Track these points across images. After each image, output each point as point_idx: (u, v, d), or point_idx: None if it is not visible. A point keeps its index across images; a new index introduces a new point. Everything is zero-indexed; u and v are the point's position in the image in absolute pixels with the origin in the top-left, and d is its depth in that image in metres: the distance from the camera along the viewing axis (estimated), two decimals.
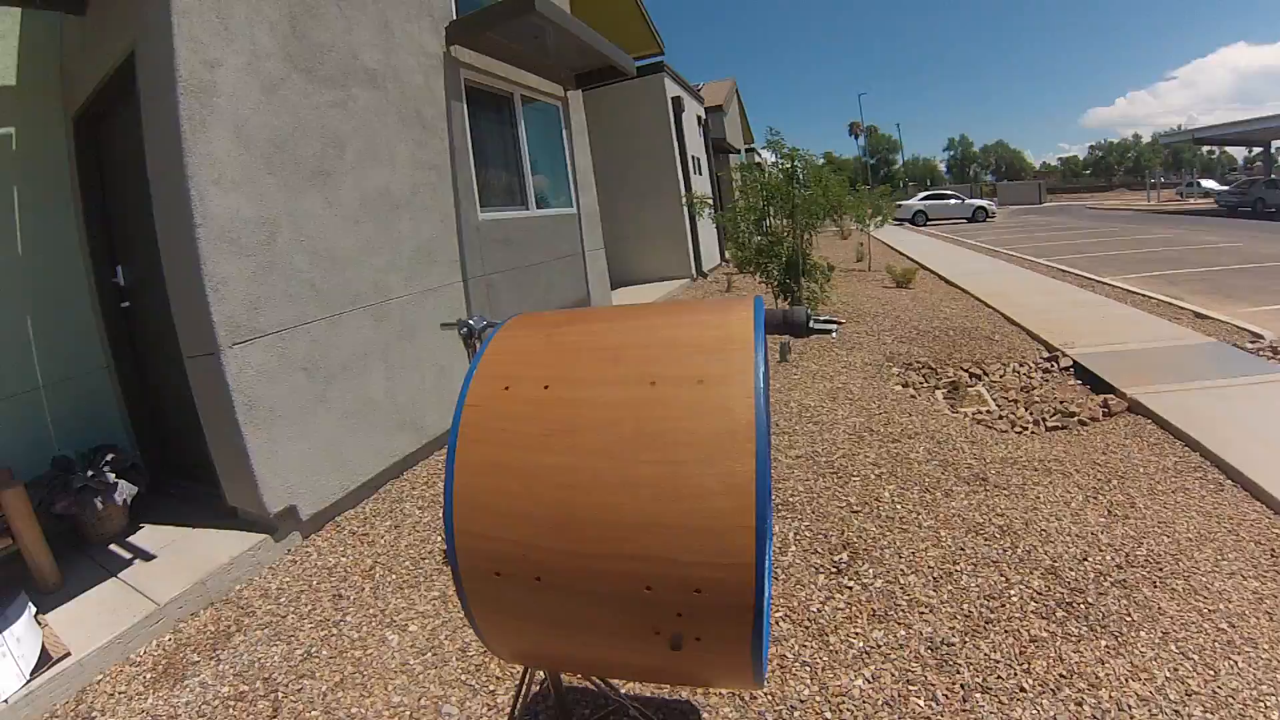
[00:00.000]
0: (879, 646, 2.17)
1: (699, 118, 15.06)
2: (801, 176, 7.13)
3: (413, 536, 3.28)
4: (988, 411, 4.58)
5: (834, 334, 1.35)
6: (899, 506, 3.07)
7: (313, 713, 2.16)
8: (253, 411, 3.14)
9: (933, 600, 2.37)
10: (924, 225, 27.92)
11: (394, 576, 2.92)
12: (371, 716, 2.11)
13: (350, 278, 3.81)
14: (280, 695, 2.26)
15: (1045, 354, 5.70)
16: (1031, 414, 4.41)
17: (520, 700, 1.70)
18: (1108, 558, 2.56)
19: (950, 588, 2.44)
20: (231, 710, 2.22)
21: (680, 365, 1.17)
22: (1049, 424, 4.18)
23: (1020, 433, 4.10)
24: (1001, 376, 5.35)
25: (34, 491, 3.08)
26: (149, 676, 2.44)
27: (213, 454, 3.33)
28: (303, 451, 3.39)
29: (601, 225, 7.77)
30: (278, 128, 3.40)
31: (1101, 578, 2.44)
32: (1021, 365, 5.53)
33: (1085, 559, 2.56)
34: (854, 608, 2.37)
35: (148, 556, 3.16)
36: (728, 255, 12.28)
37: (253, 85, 3.28)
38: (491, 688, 2.17)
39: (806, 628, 2.29)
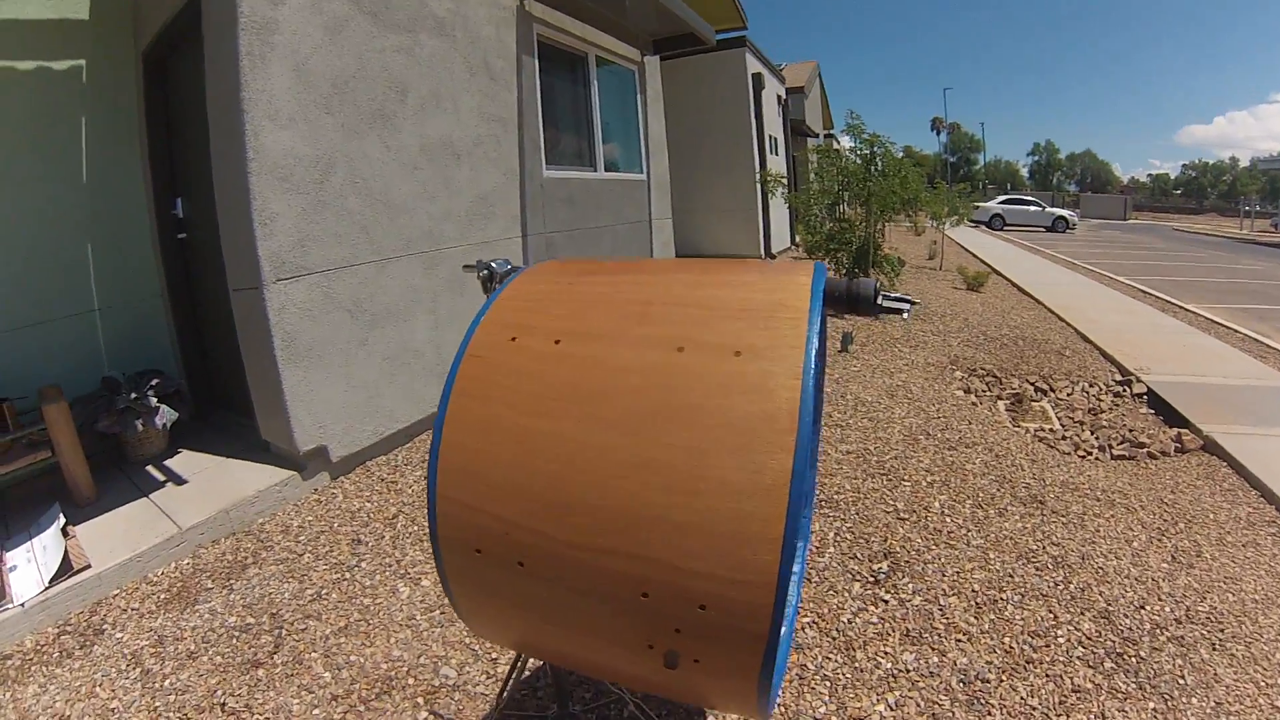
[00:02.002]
0: (908, 671, 2.00)
1: (779, 97, 14.61)
2: (880, 165, 6.79)
3: None
4: (1051, 430, 4.27)
5: (906, 315, 1.15)
6: (948, 519, 2.85)
7: (313, 654, 2.14)
8: (291, 348, 3.13)
9: (972, 628, 2.18)
10: (1000, 229, 26.69)
11: (416, 528, 2.88)
12: (369, 666, 2.07)
13: (404, 224, 3.76)
14: (284, 632, 2.24)
15: (1118, 377, 5.30)
16: (1097, 439, 4.09)
17: (510, 682, 1.60)
18: (1167, 609, 2.31)
19: (993, 617, 2.24)
20: (235, 641, 2.22)
21: (716, 331, 0.98)
22: (1115, 452, 3.87)
23: (1084, 457, 3.80)
24: (1069, 394, 5.00)
25: (81, 409, 3.15)
26: (162, 597, 2.46)
27: (250, 388, 3.35)
28: (339, 393, 3.38)
29: (671, 195, 7.60)
30: (339, 69, 3.34)
31: (1158, 630, 2.20)
32: (1091, 385, 5.15)
33: (1143, 606, 2.32)
34: (887, 624, 2.20)
35: (180, 480, 3.21)
36: (798, 239, 11.94)
37: (315, 25, 3.22)
38: (494, 655, 2.10)
39: (834, 639, 2.14)
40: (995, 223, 27.36)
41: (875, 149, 6.78)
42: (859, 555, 2.59)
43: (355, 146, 3.44)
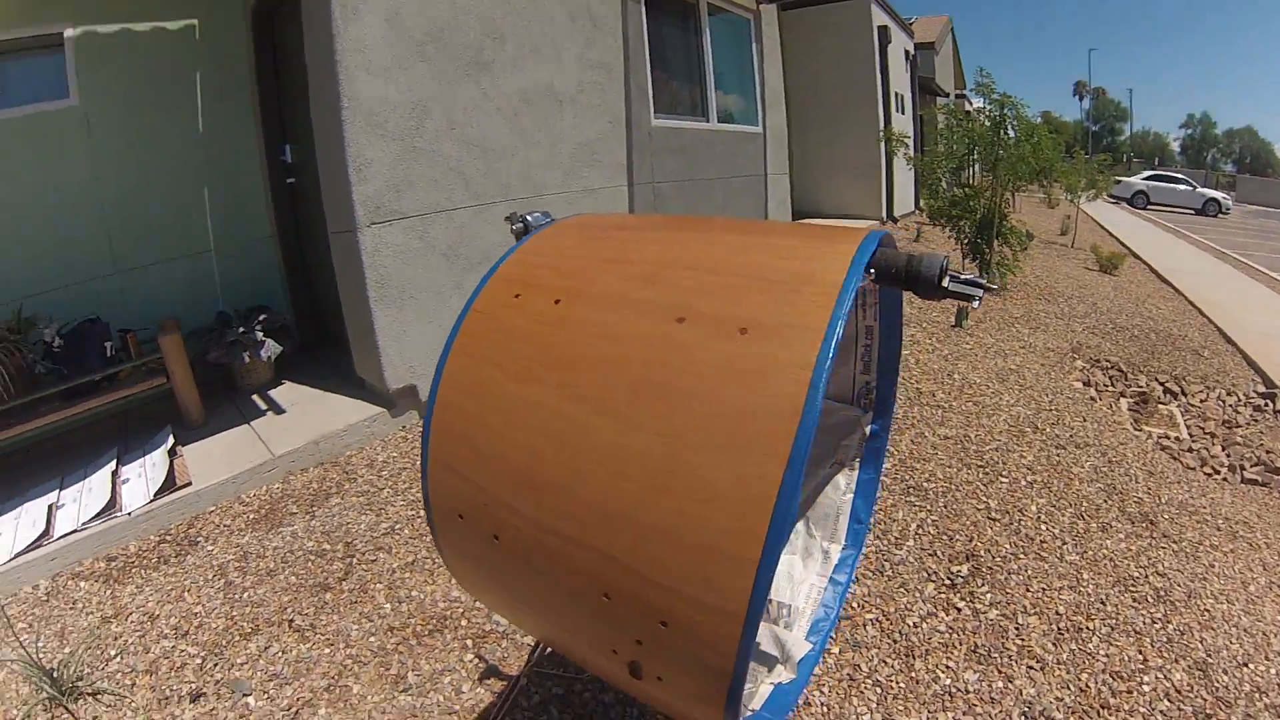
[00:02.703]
0: (967, 692, 1.85)
1: (906, 52, 13.61)
2: (1010, 128, 6.22)
3: None
4: (1176, 439, 3.82)
5: (975, 304, 0.96)
6: (1044, 527, 2.61)
7: (378, 585, 2.25)
8: (384, 289, 3.25)
9: (1048, 656, 1.99)
10: (1143, 208, 24.01)
11: None
12: (428, 604, 2.15)
13: (502, 169, 3.78)
14: (355, 561, 2.37)
15: (1261, 388, 4.68)
16: (1229, 456, 3.63)
17: (537, 652, 1.59)
18: (1273, 671, 2.01)
19: (1074, 647, 2.03)
20: (309, 563, 2.37)
21: (725, 302, 0.86)
22: (1247, 474, 3.42)
23: (1210, 475, 3.39)
24: (1202, 401, 4.45)
25: (195, 340, 3.42)
26: (251, 517, 2.66)
27: (347, 326, 3.51)
28: (431, 334, 3.49)
29: (790, 152, 7.33)
30: (433, 17, 3.34)
31: (1258, 695, 1.91)
32: (1229, 394, 4.57)
33: (1246, 664, 2.02)
34: (955, 635, 2.05)
35: (279, 410, 3.44)
36: (922, 204, 11.25)
37: None
38: None
39: (894, 642, 2.01)
40: (1138, 200, 24.60)
41: (1005, 110, 6.19)
42: (939, 553, 2.42)
43: (451, 93, 3.46)
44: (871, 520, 1.73)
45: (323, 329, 4.33)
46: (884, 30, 11.23)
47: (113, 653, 2.01)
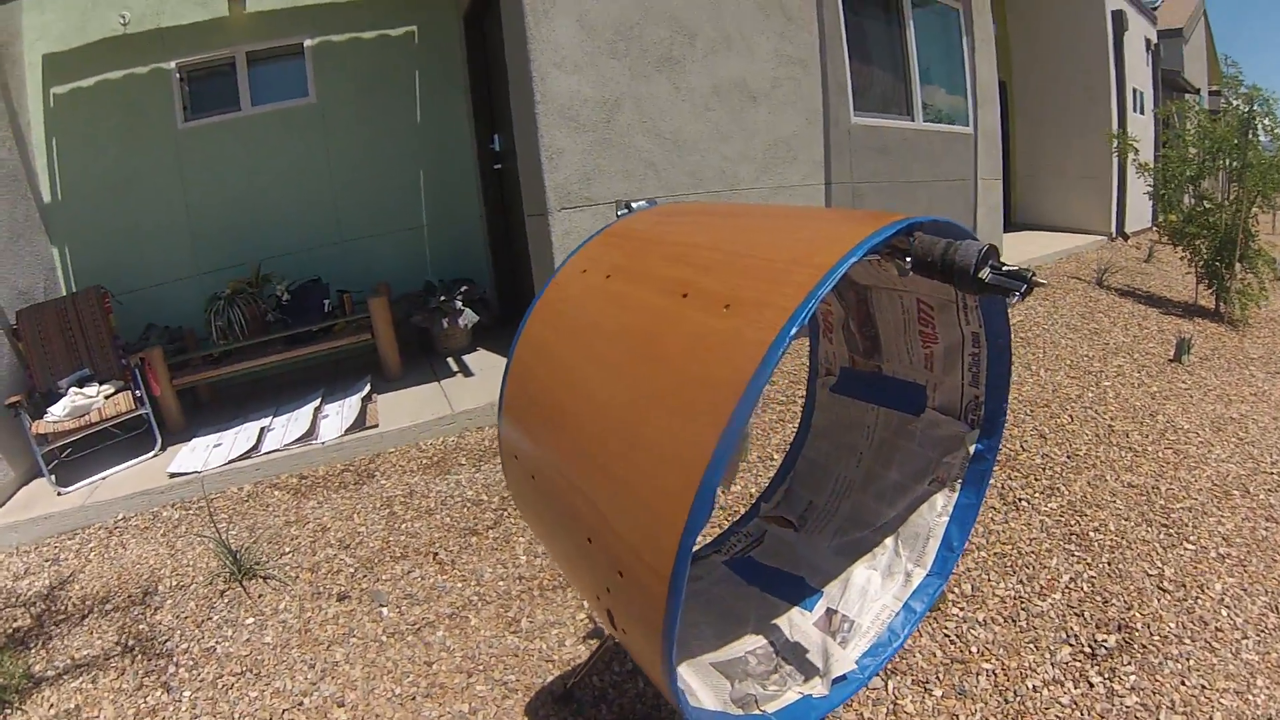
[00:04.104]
0: None
1: (1147, 41, 11.27)
2: (1263, 130, 5.02)
3: None
4: None
5: (1014, 301, 0.83)
6: (1225, 613, 2.10)
7: (520, 539, 2.48)
8: None
9: None
10: None
11: None
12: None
13: (694, 162, 3.90)
14: (505, 514, 2.63)
15: None
16: None
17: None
18: None
19: None
20: (465, 509, 2.68)
21: (724, 279, 0.90)
22: None
23: None
24: None
25: (403, 305, 4.02)
26: (424, 461, 3.07)
27: None
28: None
29: (1006, 154, 6.71)
30: (622, 17, 3.52)
31: None
32: None
33: None
34: (1077, 714, 1.73)
35: (468, 373, 3.90)
36: (1160, 219, 9.53)
37: None
38: None
39: (1005, 702, 1.78)
40: None
41: (1255, 107, 4.97)
42: (1087, 615, 2.07)
43: (642, 88, 3.63)
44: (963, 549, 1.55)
45: (520, 303, 4.80)
46: (1119, 15, 9.43)
47: (286, 550, 2.49)
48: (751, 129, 4.11)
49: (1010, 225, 7.24)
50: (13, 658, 2.04)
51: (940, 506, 1.47)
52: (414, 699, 1.82)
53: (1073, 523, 2.49)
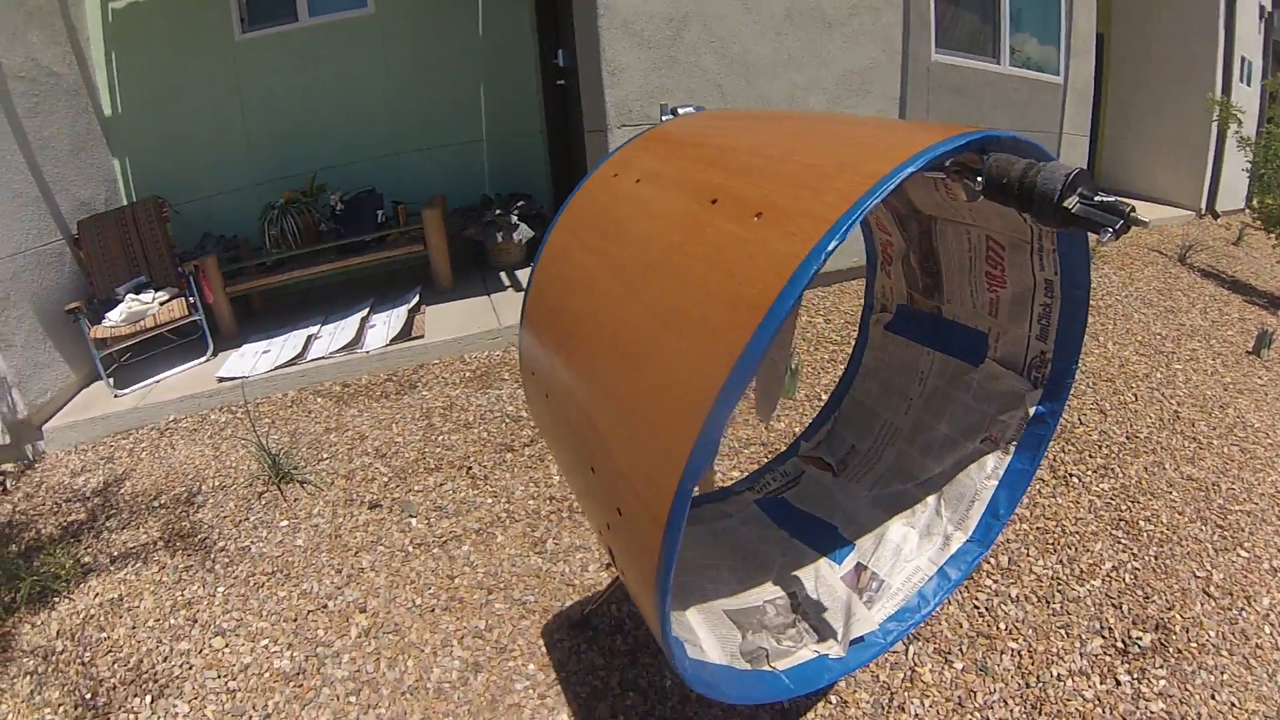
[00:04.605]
0: None
1: (1261, 8, 9.93)
2: None
3: None
4: None
5: (1105, 240, 0.69)
6: (1269, 630, 1.98)
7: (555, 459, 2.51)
8: None
9: None
10: None
11: None
12: None
13: (763, 87, 3.71)
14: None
15: None
16: None
17: None
18: None
19: None
20: (503, 425, 2.71)
21: (757, 184, 0.79)
22: None
23: None
24: None
25: (459, 217, 3.98)
26: (467, 375, 3.10)
27: None
28: None
29: (1096, 110, 6.14)
30: None
31: None
32: None
33: None
34: (1099, 710, 1.68)
35: (520, 288, 3.88)
36: (1255, 201, 8.70)
37: None
38: None
39: (1026, 685, 1.73)
40: None
41: None
42: (1125, 609, 1.99)
43: (711, 6, 3.41)
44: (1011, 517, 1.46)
45: None
46: None
47: (324, 456, 2.57)
48: (824, 57, 3.87)
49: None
50: (65, 549, 2.19)
51: (990, 468, 1.37)
52: (433, 610, 1.89)
53: (1123, 508, 2.37)
